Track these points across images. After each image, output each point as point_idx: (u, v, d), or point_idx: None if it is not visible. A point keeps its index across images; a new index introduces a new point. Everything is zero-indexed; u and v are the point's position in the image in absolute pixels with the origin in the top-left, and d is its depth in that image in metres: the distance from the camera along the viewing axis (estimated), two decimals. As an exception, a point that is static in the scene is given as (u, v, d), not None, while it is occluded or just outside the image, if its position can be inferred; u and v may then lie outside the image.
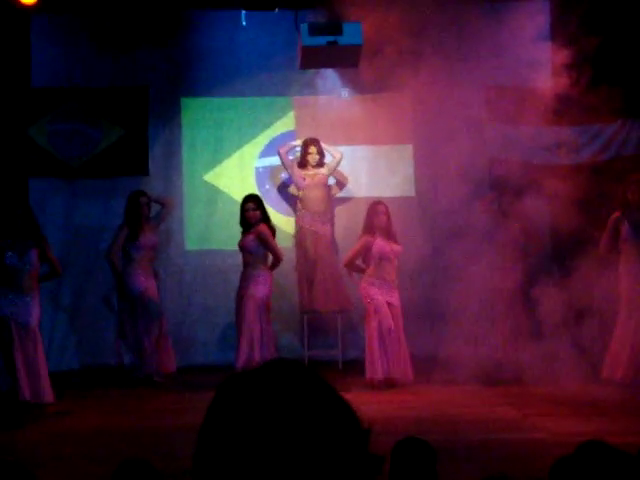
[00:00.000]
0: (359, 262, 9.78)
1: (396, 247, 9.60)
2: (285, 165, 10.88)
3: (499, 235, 9.95)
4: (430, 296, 10.37)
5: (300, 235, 10.71)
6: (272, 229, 9.97)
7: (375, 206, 9.66)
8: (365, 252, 9.63)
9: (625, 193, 9.33)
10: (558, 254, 10.23)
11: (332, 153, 10.87)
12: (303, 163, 10.76)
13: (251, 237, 9.85)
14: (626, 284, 9.24)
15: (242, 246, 9.92)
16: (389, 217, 9.62)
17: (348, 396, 1.37)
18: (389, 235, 9.60)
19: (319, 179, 10.74)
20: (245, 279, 9.83)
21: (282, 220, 10.87)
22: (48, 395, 8.68)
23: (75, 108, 10.98)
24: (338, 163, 10.86)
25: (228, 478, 1.26)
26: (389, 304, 9.47)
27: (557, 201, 9.86)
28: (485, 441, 6.95)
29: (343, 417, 1.30)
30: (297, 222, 10.79)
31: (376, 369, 9.32)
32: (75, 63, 11.01)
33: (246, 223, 9.92)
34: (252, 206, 9.89)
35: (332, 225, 10.86)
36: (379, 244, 9.51)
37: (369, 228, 9.59)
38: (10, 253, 8.69)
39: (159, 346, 9.94)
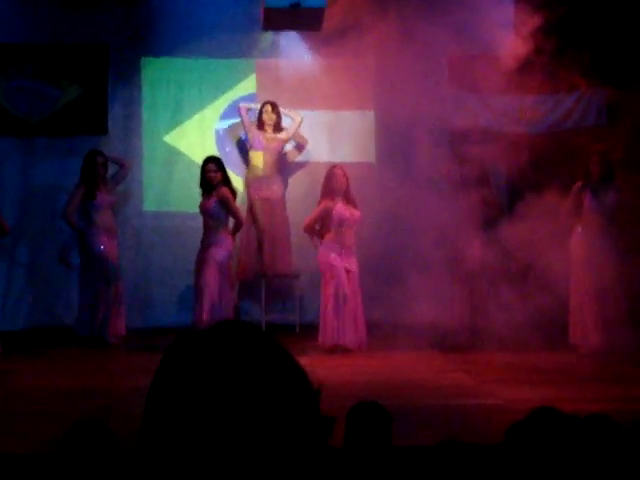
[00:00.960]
0: (317, 226, 9.76)
1: (356, 212, 9.58)
2: (244, 123, 10.80)
3: (459, 203, 9.99)
4: (388, 261, 10.42)
5: (248, 204, 10.65)
6: (233, 192, 9.91)
7: (333, 169, 9.64)
8: (325, 217, 9.61)
9: (587, 164, 9.48)
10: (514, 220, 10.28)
11: (292, 116, 10.81)
12: (260, 124, 10.71)
13: (213, 200, 9.78)
14: (580, 251, 9.39)
15: (204, 209, 9.84)
16: (348, 180, 9.60)
17: (304, 360, 1.36)
18: (348, 199, 9.59)
19: (276, 144, 10.69)
20: (206, 242, 9.78)
21: (242, 183, 10.82)
22: None
23: (33, 65, 10.81)
24: (298, 126, 10.81)
25: (176, 440, 1.25)
26: (347, 270, 9.48)
27: (517, 169, 9.92)
28: (440, 406, 6.99)
29: (293, 378, 1.29)
30: (246, 190, 10.72)
31: (327, 336, 9.35)
32: (34, 19, 10.82)
33: (207, 185, 9.84)
34: (213, 167, 9.81)
35: (283, 187, 10.79)
36: (339, 209, 9.49)
37: (328, 192, 9.57)
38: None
39: (113, 308, 9.89)
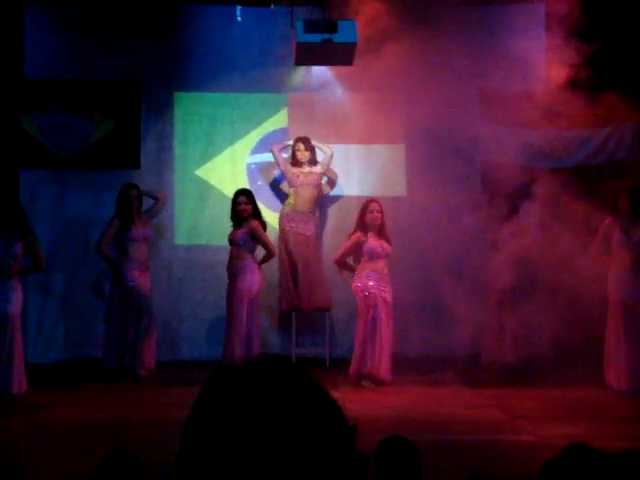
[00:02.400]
0: (349, 260, 9.73)
1: (387, 246, 9.54)
2: (279, 163, 10.83)
3: (490, 236, 9.98)
4: (420, 295, 10.37)
5: (282, 237, 10.67)
6: (263, 224, 9.98)
7: (369, 204, 9.61)
8: (356, 250, 9.59)
9: (616, 200, 9.38)
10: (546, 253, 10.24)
11: (322, 149, 10.83)
12: (296, 161, 10.74)
13: (242, 230, 9.86)
14: (616, 289, 9.29)
15: (231, 238, 9.92)
16: (383, 215, 9.57)
17: (334, 394, 1.36)
18: (381, 234, 9.55)
19: (313, 178, 10.69)
20: (233, 272, 9.84)
21: (273, 217, 10.84)
22: (18, 386, 8.64)
23: (67, 100, 10.94)
24: (330, 159, 10.82)
25: (213, 474, 1.25)
26: (383, 300, 9.42)
27: (548, 203, 9.89)
28: (471, 442, 6.95)
29: (330, 414, 1.30)
30: (280, 223, 10.75)
31: (363, 363, 9.29)
32: (68, 55, 10.96)
33: (237, 217, 9.91)
34: (244, 200, 9.89)
35: (316, 224, 10.79)
36: (370, 243, 9.46)
37: (361, 226, 9.54)
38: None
39: (144, 341, 9.91)
